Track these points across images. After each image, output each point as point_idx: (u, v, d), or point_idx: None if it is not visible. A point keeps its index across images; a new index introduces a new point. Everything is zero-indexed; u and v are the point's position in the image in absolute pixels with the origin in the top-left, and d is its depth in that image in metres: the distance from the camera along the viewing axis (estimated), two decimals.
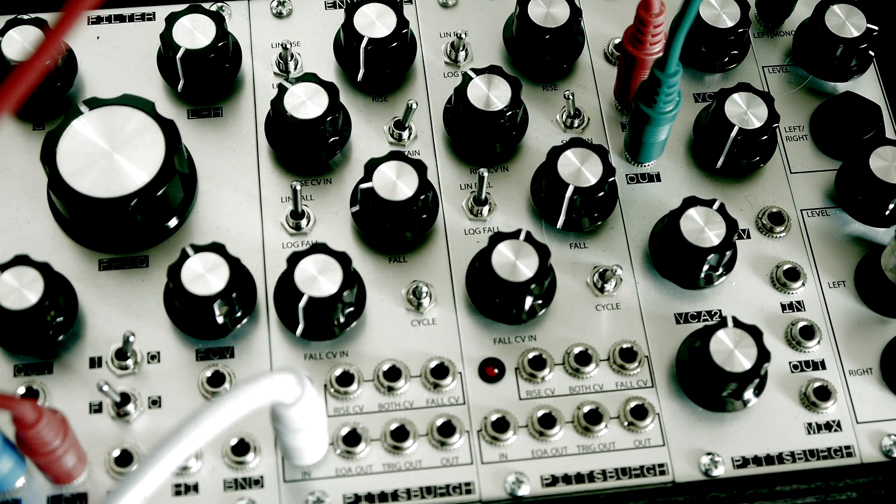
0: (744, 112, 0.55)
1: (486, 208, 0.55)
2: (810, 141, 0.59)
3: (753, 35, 0.61)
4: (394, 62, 0.57)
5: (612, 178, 0.53)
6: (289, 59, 0.58)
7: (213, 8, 0.59)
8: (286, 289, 0.50)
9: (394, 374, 0.51)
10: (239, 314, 0.51)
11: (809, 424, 0.52)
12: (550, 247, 0.51)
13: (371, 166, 0.52)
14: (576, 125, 0.58)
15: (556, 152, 0.53)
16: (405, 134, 0.57)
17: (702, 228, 0.52)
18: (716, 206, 0.52)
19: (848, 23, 0.58)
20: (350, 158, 0.57)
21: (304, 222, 0.54)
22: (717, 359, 0.49)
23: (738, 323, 0.50)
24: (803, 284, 0.55)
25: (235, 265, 0.50)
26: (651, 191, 0.57)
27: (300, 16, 0.61)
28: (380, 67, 0.57)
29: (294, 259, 0.50)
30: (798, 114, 0.59)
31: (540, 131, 0.58)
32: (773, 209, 0.56)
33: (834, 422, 0.52)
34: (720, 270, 0.53)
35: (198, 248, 0.50)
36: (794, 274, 0.55)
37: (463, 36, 0.59)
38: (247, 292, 0.52)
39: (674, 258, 0.53)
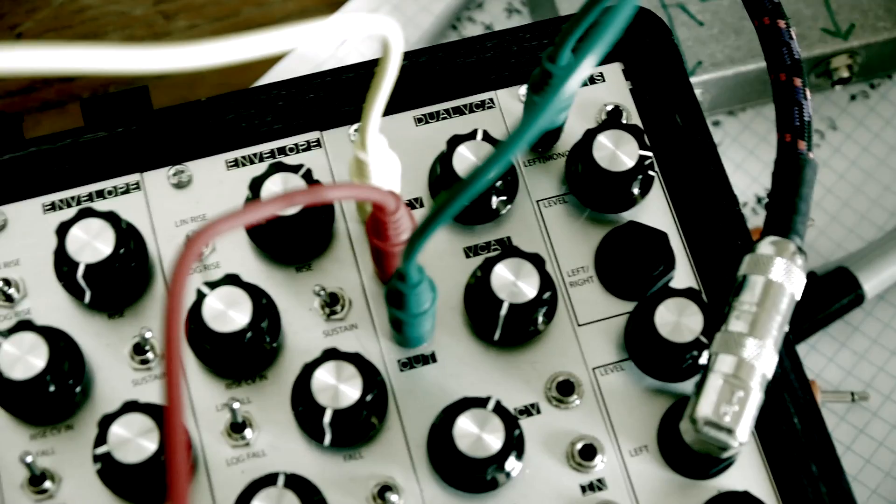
0: (512, 283, 0.49)
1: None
2: (598, 282, 0.53)
3: (523, 164, 0.55)
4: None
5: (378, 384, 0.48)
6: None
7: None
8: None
9: None
10: None
11: None
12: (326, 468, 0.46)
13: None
14: (338, 312, 0.52)
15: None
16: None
17: (478, 436, 0.47)
18: (490, 405, 0.48)
19: (618, 152, 0.52)
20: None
21: None
22: None
23: None
24: (602, 460, 0.50)
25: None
26: (428, 375, 0.51)
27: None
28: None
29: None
30: (581, 252, 0.54)
31: (299, 325, 0.52)
32: (560, 377, 0.51)
33: None
34: (506, 471, 0.48)
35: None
36: (590, 451, 0.50)
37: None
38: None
39: (454, 467, 0.48)
